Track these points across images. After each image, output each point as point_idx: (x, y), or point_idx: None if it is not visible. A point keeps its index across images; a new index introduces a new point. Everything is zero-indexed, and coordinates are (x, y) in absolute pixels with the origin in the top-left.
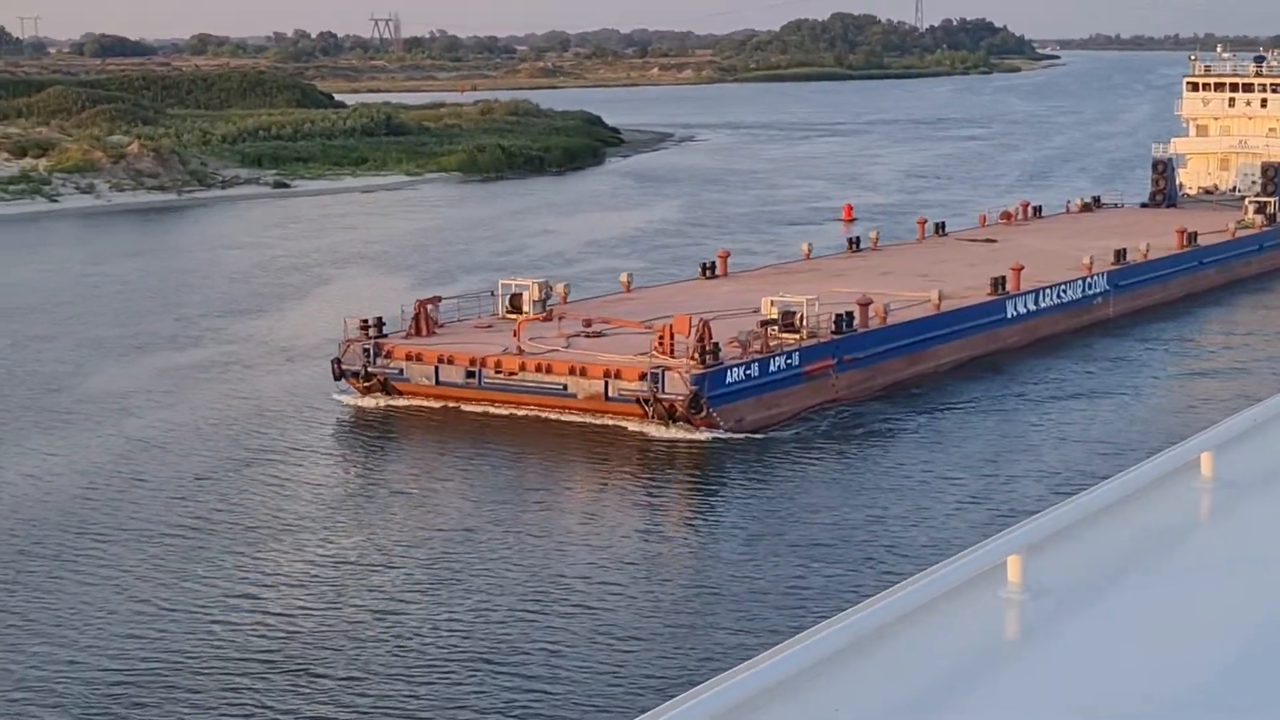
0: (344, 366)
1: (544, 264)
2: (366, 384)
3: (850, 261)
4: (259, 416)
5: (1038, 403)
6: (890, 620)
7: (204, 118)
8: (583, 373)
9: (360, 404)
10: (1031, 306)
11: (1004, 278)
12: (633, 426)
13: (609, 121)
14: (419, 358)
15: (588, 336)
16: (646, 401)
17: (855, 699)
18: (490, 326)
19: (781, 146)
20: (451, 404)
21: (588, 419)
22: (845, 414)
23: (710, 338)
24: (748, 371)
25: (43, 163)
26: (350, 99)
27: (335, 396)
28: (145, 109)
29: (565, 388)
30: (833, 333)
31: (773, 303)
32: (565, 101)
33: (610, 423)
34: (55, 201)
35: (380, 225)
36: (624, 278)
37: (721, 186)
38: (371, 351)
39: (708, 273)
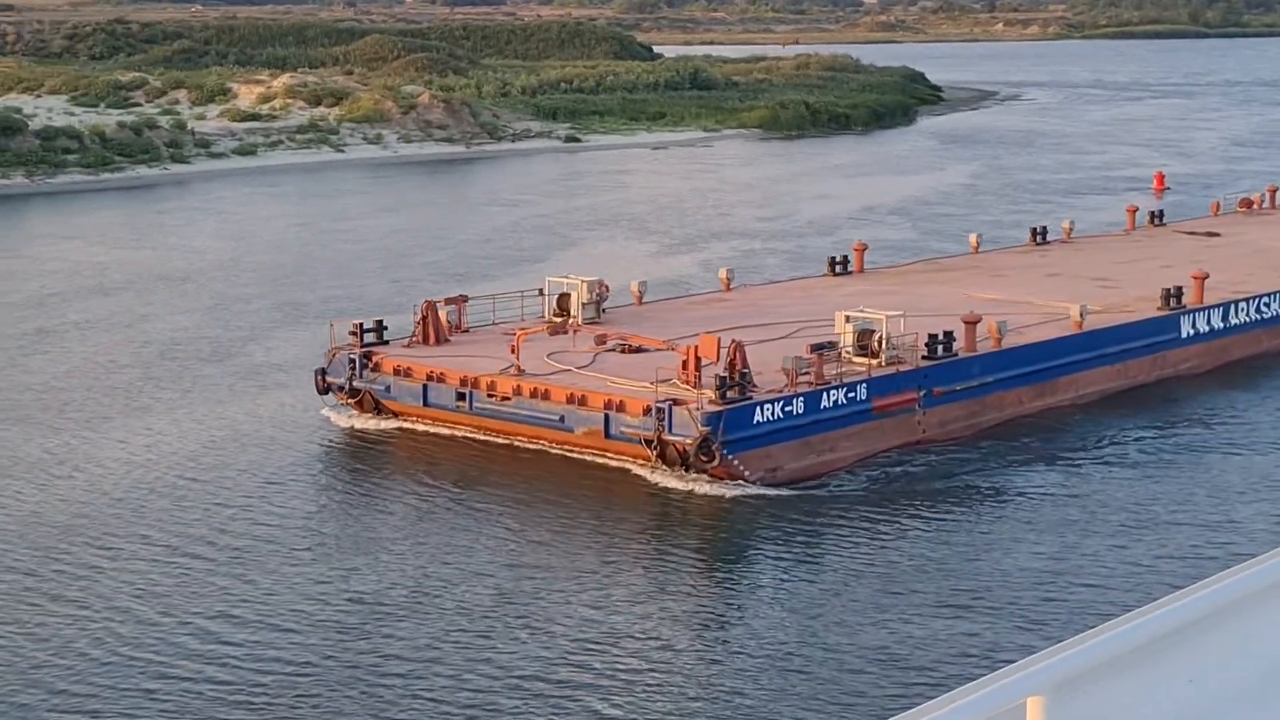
0: (329, 379)
1: (803, 231)
2: (353, 400)
3: (1024, 258)
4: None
5: (1211, 451)
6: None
7: (518, 69)
8: (581, 402)
9: (353, 424)
10: (1217, 324)
11: (1180, 289)
12: (639, 471)
13: (934, 79)
14: (407, 373)
15: (624, 352)
16: (650, 443)
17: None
18: (563, 330)
19: (1107, 108)
20: (446, 428)
21: (590, 457)
22: (932, 462)
23: (743, 364)
24: (787, 408)
25: (335, 112)
26: (676, 51)
27: (325, 413)
28: (459, 59)
29: (562, 419)
30: (923, 358)
31: (848, 319)
32: (896, 57)
33: (615, 463)
34: (341, 151)
35: (653, 184)
36: (723, 274)
37: (1028, 150)
38: (358, 362)
39: (836, 269)
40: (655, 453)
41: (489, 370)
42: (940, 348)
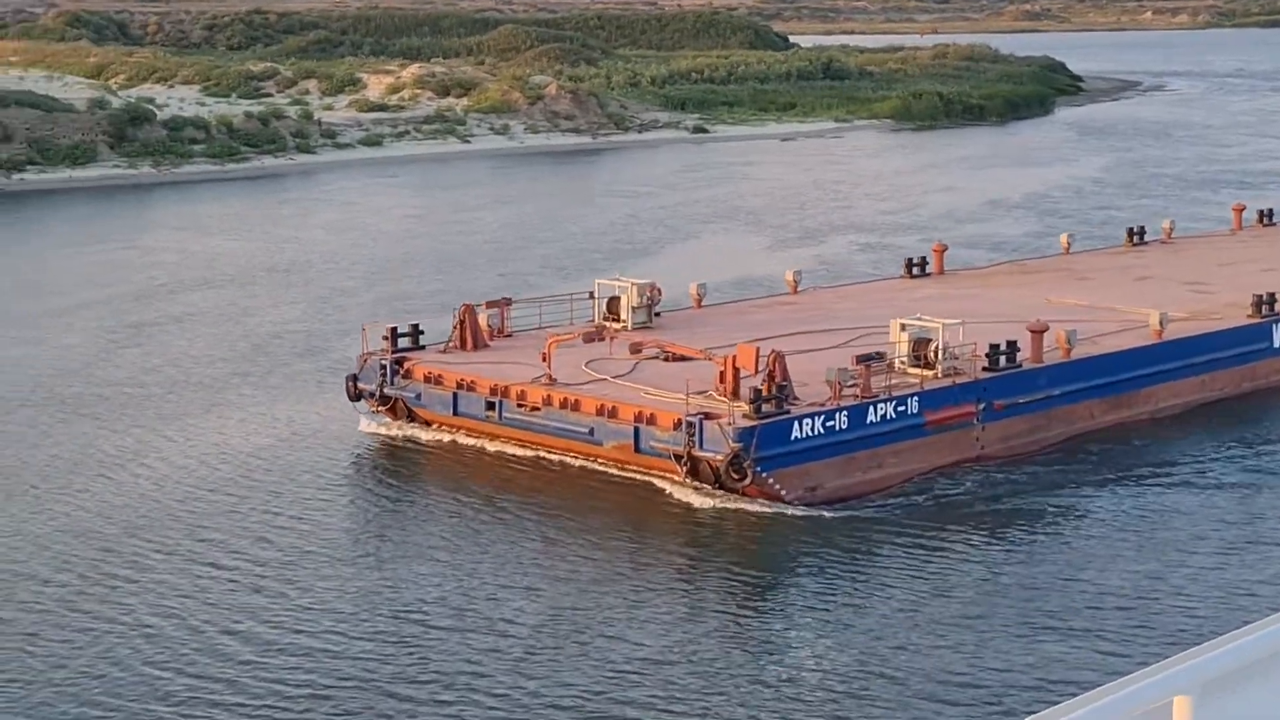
0: (361, 386)
1: (922, 225)
2: (385, 407)
3: (1117, 259)
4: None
5: None
6: None
7: (651, 59)
8: (612, 414)
9: (383, 432)
10: None
11: (1274, 295)
12: (669, 487)
13: (1075, 69)
14: (438, 380)
15: (667, 360)
16: (680, 458)
17: None
18: (600, 337)
19: (1250, 99)
20: (476, 438)
21: (623, 472)
22: (992, 479)
23: (782, 375)
24: (828, 423)
25: (462, 103)
26: (814, 41)
27: (362, 427)
28: (592, 50)
29: (591, 432)
30: (983, 369)
31: (903, 327)
32: (1038, 47)
33: (644, 478)
34: (467, 142)
35: (776, 176)
36: (790, 275)
37: (1165, 142)
38: (389, 368)
39: (913, 271)
40: (685, 469)
41: (522, 378)
42: (1003, 358)
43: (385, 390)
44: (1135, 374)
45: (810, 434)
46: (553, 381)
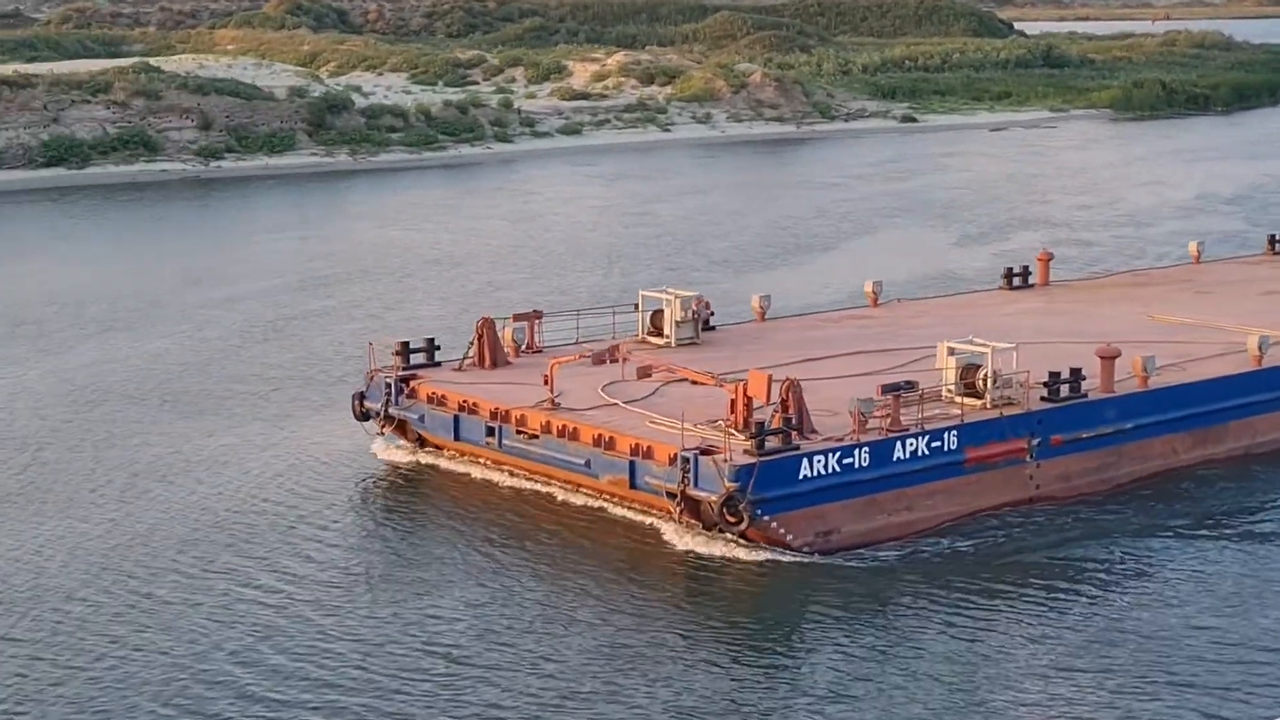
0: (367, 404)
1: (1118, 222)
2: (394, 428)
3: (1251, 270)
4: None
5: None
6: None
7: (868, 46)
8: (609, 446)
9: (391, 456)
10: None
11: None
12: (666, 530)
13: None
14: (441, 401)
15: (695, 383)
16: (675, 497)
17: None
18: (612, 358)
19: None
20: (482, 467)
21: (623, 509)
22: (1046, 523)
23: (797, 406)
24: (846, 460)
25: (665, 91)
26: (1044, 28)
27: (375, 450)
28: (808, 36)
29: (588, 464)
30: (1041, 399)
31: (951, 351)
32: None
33: (642, 518)
34: (668, 131)
35: (979, 167)
36: (869, 287)
37: None
38: (393, 387)
39: (1013, 282)
40: (679, 509)
41: (525, 401)
42: (1066, 387)
43: (389, 410)
44: (1225, 405)
45: (823, 472)
46: (555, 406)
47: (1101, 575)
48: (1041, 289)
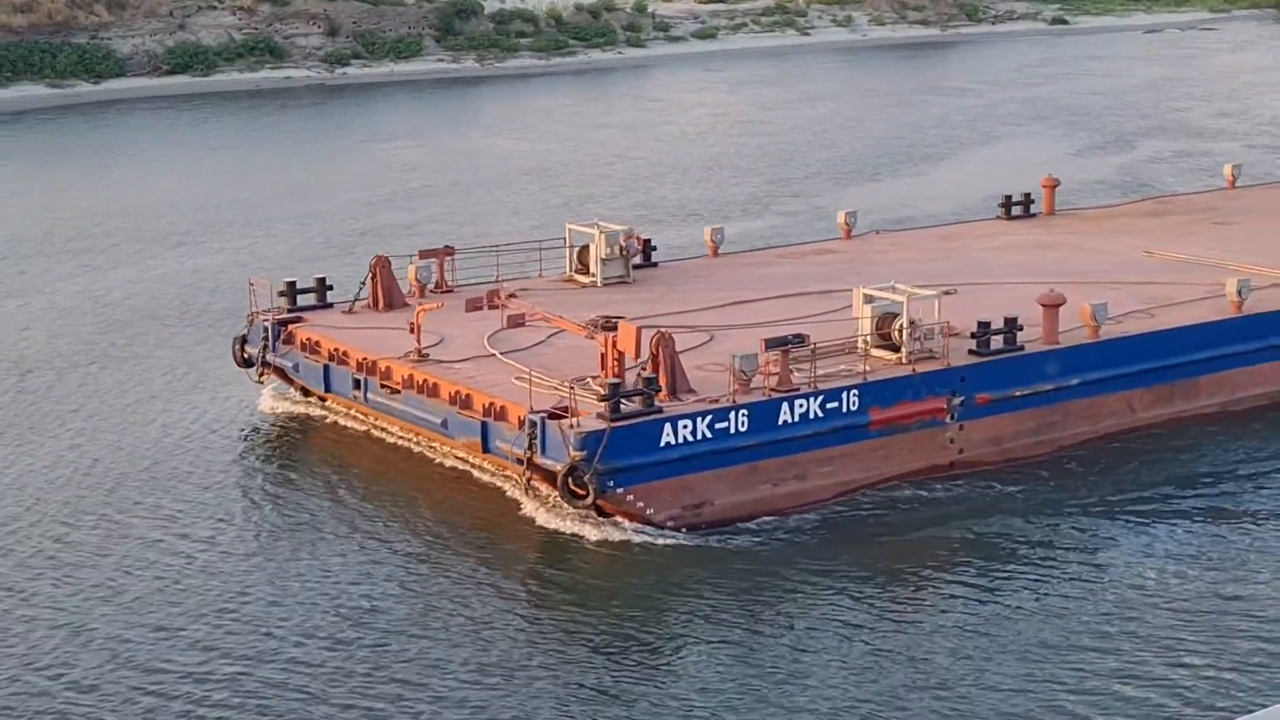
0: (249, 350)
1: (1255, 133)
2: (274, 377)
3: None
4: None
5: None
6: None
7: None
8: (465, 404)
9: (275, 406)
10: None
11: None
12: (526, 499)
13: None
14: (315, 348)
15: (605, 328)
16: (522, 465)
17: None
18: (491, 304)
19: None
20: (358, 420)
21: (487, 475)
22: (966, 494)
23: (668, 363)
24: (719, 424)
25: None
26: None
27: (262, 402)
28: None
29: (444, 424)
30: (970, 352)
31: (868, 299)
32: None
33: (506, 486)
34: (806, 35)
35: (1122, 71)
36: (841, 218)
37: None
38: (270, 331)
39: (1011, 211)
40: (526, 480)
41: (395, 351)
42: (1001, 338)
43: (267, 357)
44: (1194, 358)
45: (691, 438)
46: (421, 358)
47: (1021, 552)
48: (1044, 219)
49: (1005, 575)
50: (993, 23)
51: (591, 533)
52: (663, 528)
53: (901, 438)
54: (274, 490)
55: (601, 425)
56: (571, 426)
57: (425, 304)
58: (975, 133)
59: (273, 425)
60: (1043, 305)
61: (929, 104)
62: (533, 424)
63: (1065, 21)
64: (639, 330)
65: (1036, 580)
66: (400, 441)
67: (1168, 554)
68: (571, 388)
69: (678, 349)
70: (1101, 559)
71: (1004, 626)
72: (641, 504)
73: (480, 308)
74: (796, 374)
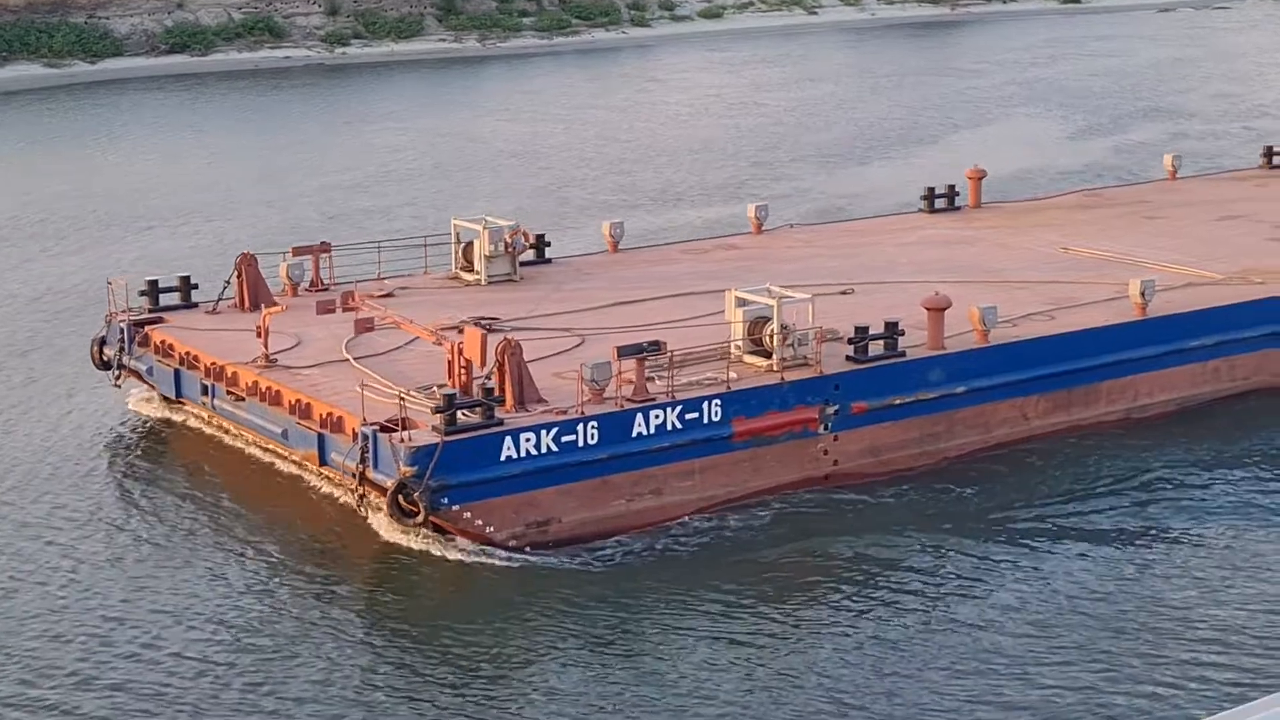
0: (107, 351)
1: (1254, 114)
2: (125, 379)
3: (1226, 189)
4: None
5: None
6: None
7: None
8: (305, 414)
9: (137, 409)
10: None
11: None
12: (371, 515)
13: None
14: (169, 351)
15: (488, 325)
16: (356, 479)
17: None
18: (347, 306)
19: None
20: (215, 427)
21: (331, 486)
22: (836, 508)
23: (515, 372)
24: (566, 437)
25: None
26: None
27: (130, 403)
28: None
29: (285, 434)
30: (848, 358)
31: (740, 302)
32: None
33: (349, 500)
34: (814, 14)
35: (1126, 52)
36: (752, 211)
37: None
38: (126, 333)
39: (934, 204)
40: (358, 496)
41: (246, 355)
42: (882, 344)
43: (123, 360)
44: (1093, 363)
45: (535, 452)
46: (269, 364)
47: (899, 570)
48: (968, 212)
49: (881, 594)
50: (1004, 1)
51: (434, 551)
52: (505, 547)
53: (770, 449)
54: (117, 500)
55: (435, 439)
56: (402, 440)
57: (272, 308)
58: (969, 115)
59: (134, 430)
60: (927, 309)
61: (929, 85)
62: (365, 437)
63: (1076, 0)
64: (484, 336)
65: (915, 600)
66: (251, 450)
67: (1059, 570)
68: (400, 399)
69: (549, 354)
70: (986, 576)
71: (879, 650)
72: (481, 522)
73: (333, 310)
74: (661, 383)
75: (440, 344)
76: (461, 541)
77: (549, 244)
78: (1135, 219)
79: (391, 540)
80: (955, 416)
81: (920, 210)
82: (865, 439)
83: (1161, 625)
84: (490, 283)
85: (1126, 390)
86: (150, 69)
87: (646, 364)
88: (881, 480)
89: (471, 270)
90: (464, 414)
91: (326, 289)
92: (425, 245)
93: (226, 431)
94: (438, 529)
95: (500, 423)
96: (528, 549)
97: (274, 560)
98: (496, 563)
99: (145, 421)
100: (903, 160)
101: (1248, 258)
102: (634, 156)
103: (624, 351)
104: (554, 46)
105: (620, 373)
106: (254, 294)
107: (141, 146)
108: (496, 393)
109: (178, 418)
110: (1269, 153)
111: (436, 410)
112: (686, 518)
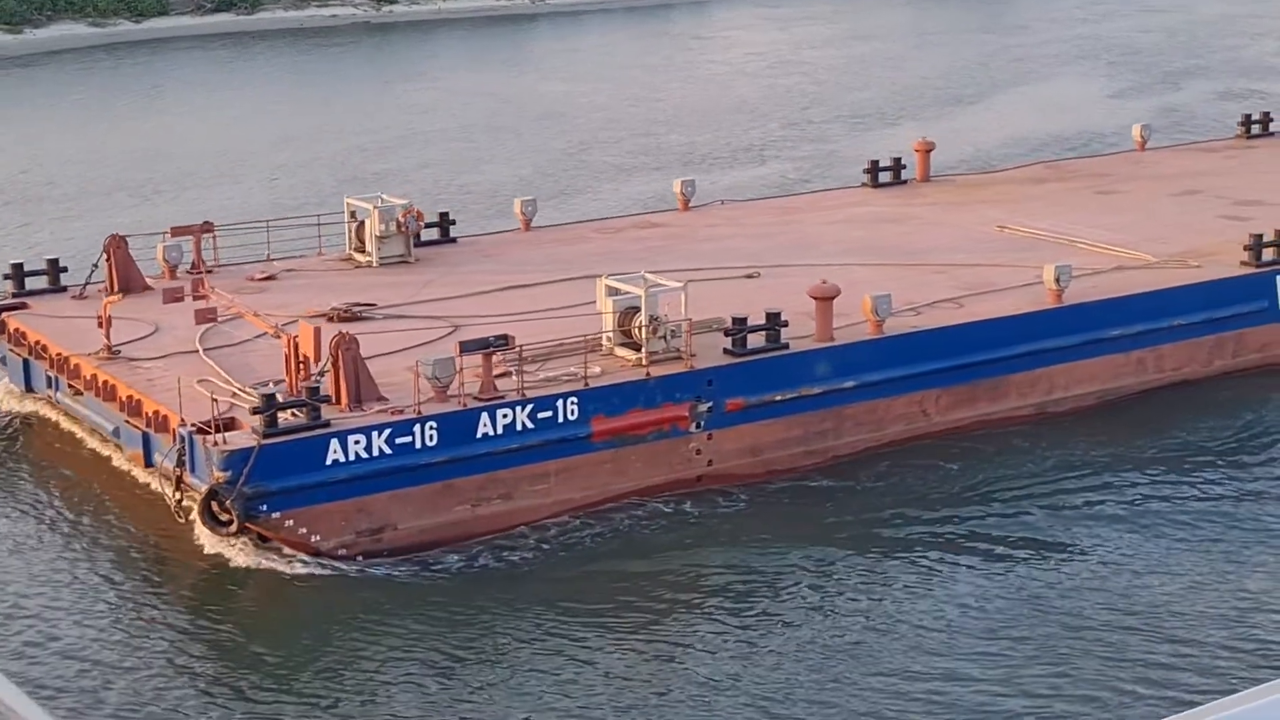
0: None
1: None
2: None
3: (1194, 160)
4: None
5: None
6: None
7: None
8: (135, 411)
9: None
10: None
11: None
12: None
13: None
14: (20, 339)
15: (343, 319)
16: (174, 482)
17: None
18: (197, 294)
19: None
20: (65, 420)
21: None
22: (707, 513)
23: (349, 368)
24: (401, 439)
25: None
26: None
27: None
28: None
29: (116, 431)
30: (725, 351)
31: (611, 292)
32: None
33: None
34: None
35: (1182, 6)
36: (678, 187)
37: None
38: None
39: (878, 177)
40: (175, 502)
41: (93, 346)
42: (763, 335)
43: None
44: (999, 355)
45: (366, 455)
46: (111, 356)
47: (775, 578)
48: (914, 186)
49: (759, 606)
50: None
51: (257, 563)
52: (334, 557)
53: (635, 450)
54: None
55: (251, 442)
56: (216, 444)
57: (112, 297)
58: (1015, 74)
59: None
60: (814, 298)
61: (978, 43)
62: (182, 439)
63: None
64: (318, 331)
65: (797, 613)
66: (94, 447)
67: (955, 579)
68: (213, 399)
69: (415, 344)
70: (875, 587)
71: (754, 669)
72: (305, 530)
73: (180, 298)
74: (525, 378)
75: (278, 337)
76: (287, 551)
77: (454, 222)
78: (1088, 194)
79: (214, 551)
80: (844, 413)
81: (864, 185)
82: (743, 438)
83: (1066, 636)
84: (383, 264)
85: (1039, 383)
86: (196, 28)
87: (504, 359)
88: (762, 482)
89: (365, 251)
90: (294, 414)
91: (210, 271)
92: (319, 224)
93: (78, 425)
94: (262, 538)
95: (326, 424)
96: (359, 558)
97: (91, 572)
98: (324, 574)
99: (4, 414)
100: (934, 121)
101: (1197, 237)
102: (664, 118)
103: (467, 346)
104: (604, 3)
105: (462, 369)
106: (124, 278)
107: (169, 107)
108: (330, 390)
109: (36, 410)
110: (1247, 121)
111: (254, 411)
112: (541, 522)
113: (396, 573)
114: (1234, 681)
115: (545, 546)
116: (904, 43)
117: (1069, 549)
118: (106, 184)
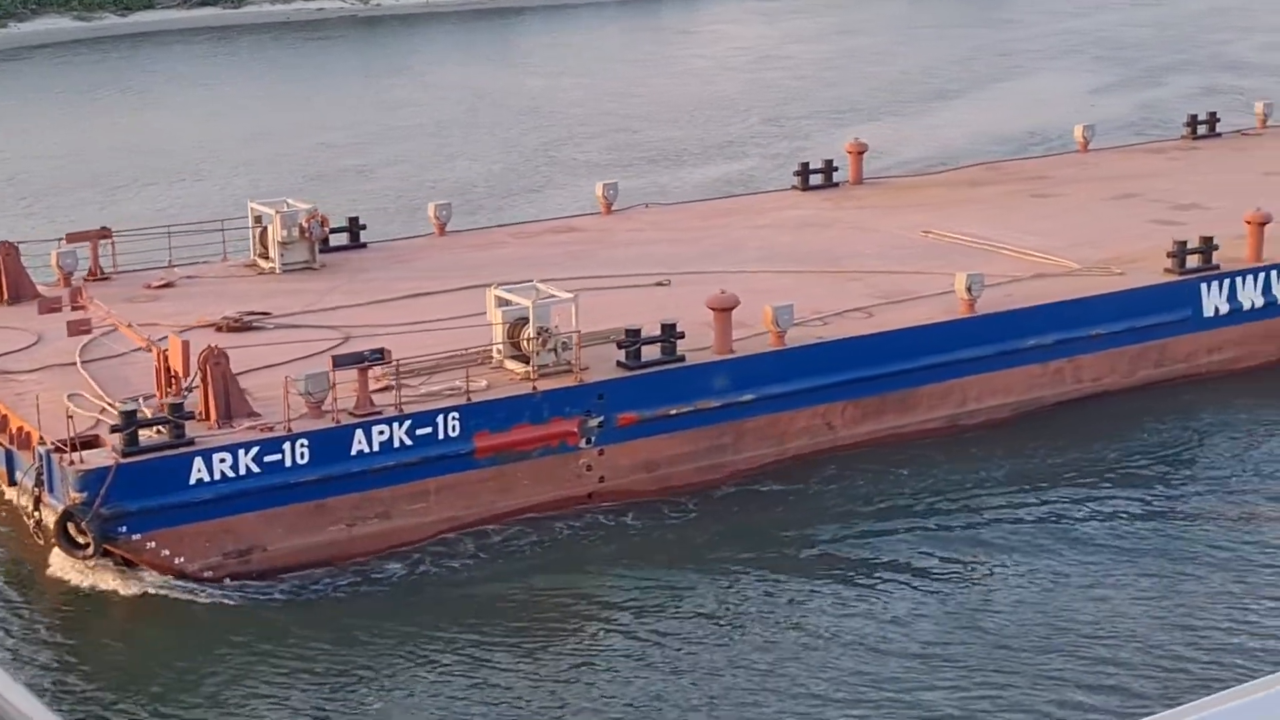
0: None
1: None
2: None
3: (1134, 162)
4: None
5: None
6: None
7: None
8: (1, 427)
9: None
10: (1255, 300)
11: (1209, 242)
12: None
13: None
14: None
15: (233, 329)
16: (32, 502)
17: None
18: (75, 304)
19: None
20: None
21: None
22: (597, 531)
23: (219, 384)
24: (270, 456)
25: None
26: None
27: None
28: None
29: None
30: (618, 364)
31: (500, 302)
32: None
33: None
34: None
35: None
36: (599, 190)
37: None
38: None
39: (808, 179)
40: (34, 522)
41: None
42: (658, 347)
43: None
44: (908, 366)
45: (232, 474)
46: None
47: (668, 598)
48: (846, 189)
49: (650, 627)
50: None
51: (118, 587)
52: (200, 579)
53: (520, 466)
54: None
55: (109, 461)
56: (71, 463)
57: None
58: (999, 69)
59: None
60: (711, 309)
61: (968, 36)
62: (40, 457)
63: None
64: (186, 344)
65: (691, 634)
66: None
67: (861, 598)
68: (69, 415)
69: (302, 355)
70: (775, 608)
71: (643, 697)
72: (168, 552)
73: (57, 309)
74: (407, 393)
75: (150, 350)
76: (151, 575)
77: (364, 227)
78: (1022, 197)
79: (70, 575)
80: (744, 427)
81: (793, 187)
82: (637, 453)
83: (979, 656)
84: (285, 271)
85: (951, 395)
86: (182, 21)
87: (381, 374)
88: (657, 498)
89: (269, 258)
90: (158, 431)
91: (108, 278)
92: (223, 230)
93: None
94: (127, 561)
95: (191, 442)
96: (227, 580)
97: None
98: (188, 598)
99: None
100: (919, 117)
101: (1125, 243)
102: (642, 113)
103: (341, 360)
104: None
105: (335, 384)
106: (15, 286)
107: (148, 103)
108: (200, 406)
109: None
110: (1193, 122)
111: (114, 429)
112: (421, 542)
113: (265, 596)
114: (1148, 702)
115: (423, 568)
116: (892, 37)
117: (979, 566)
118: (73, 180)
